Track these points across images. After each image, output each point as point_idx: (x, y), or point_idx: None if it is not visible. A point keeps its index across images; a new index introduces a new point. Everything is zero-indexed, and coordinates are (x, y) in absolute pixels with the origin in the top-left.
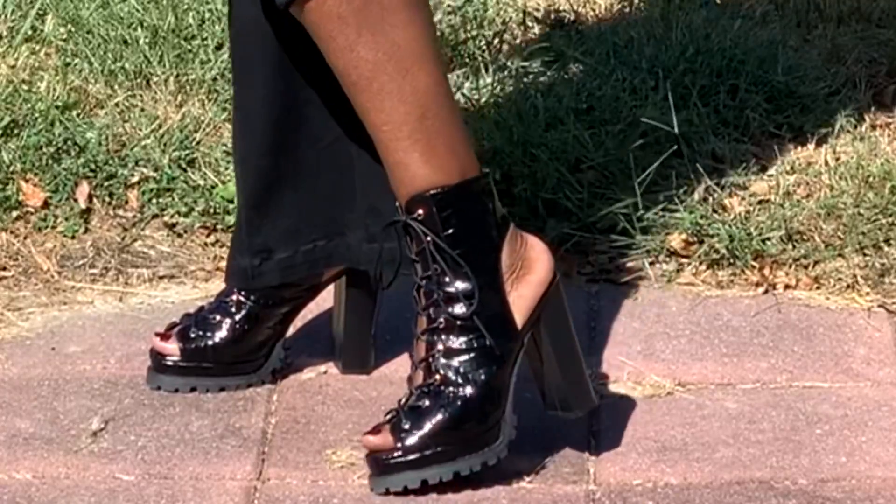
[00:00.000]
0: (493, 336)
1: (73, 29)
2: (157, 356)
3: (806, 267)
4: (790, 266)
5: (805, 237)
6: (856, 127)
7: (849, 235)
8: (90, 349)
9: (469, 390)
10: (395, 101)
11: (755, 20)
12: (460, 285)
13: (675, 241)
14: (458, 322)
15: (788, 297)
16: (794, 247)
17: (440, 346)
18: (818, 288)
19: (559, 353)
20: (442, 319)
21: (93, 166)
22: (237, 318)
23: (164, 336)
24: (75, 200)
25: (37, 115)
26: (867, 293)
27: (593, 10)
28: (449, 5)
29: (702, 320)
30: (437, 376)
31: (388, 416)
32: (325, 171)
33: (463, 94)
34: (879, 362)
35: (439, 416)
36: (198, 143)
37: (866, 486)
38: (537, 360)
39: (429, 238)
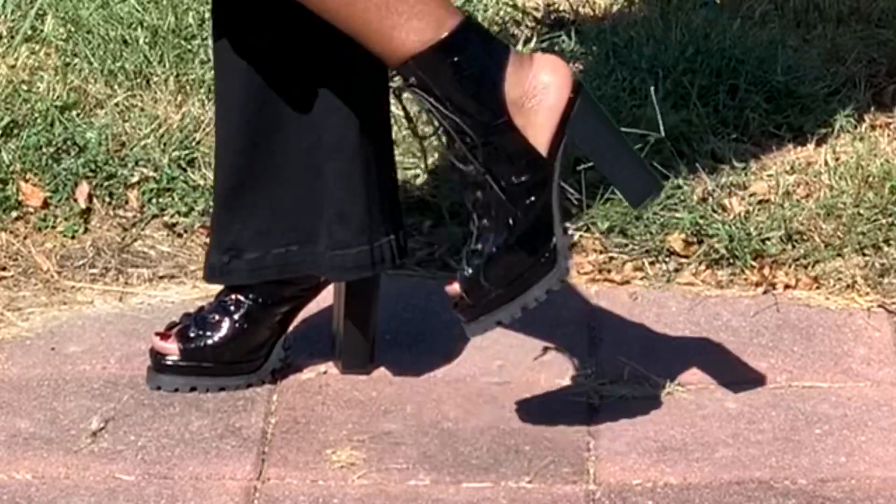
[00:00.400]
0: (520, 172)
1: (72, 29)
2: (157, 356)
3: (805, 267)
4: (790, 266)
5: (805, 237)
6: (855, 127)
7: (848, 235)
8: (90, 349)
9: (513, 230)
10: None
11: (754, 20)
12: (472, 134)
13: (675, 240)
14: (483, 169)
15: (788, 297)
16: (793, 247)
17: (478, 194)
18: (818, 288)
19: (604, 160)
20: (470, 169)
21: (93, 166)
22: (236, 317)
23: (164, 336)
24: (75, 200)
25: (36, 115)
26: (867, 293)
27: (593, 10)
28: None
29: (701, 320)
30: (484, 221)
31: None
32: (300, 177)
33: None
34: (879, 362)
35: (492, 260)
36: (198, 142)
37: (866, 486)
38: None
39: (429, 98)
